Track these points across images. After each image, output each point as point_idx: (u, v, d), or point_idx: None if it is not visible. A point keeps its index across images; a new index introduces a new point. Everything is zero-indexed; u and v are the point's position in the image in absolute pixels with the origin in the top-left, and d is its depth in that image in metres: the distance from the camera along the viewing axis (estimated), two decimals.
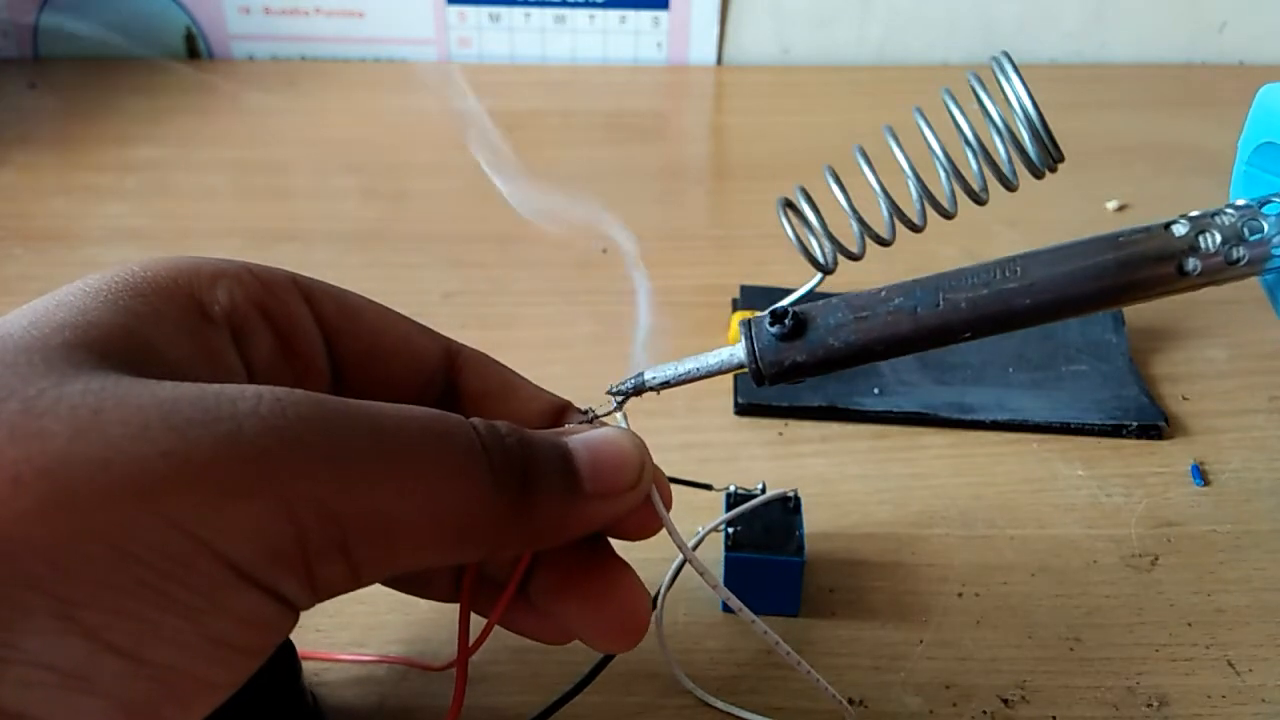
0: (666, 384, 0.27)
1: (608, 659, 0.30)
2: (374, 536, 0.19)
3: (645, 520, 0.25)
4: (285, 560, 0.18)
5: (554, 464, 0.22)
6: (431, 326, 0.27)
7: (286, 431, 0.18)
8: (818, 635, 0.33)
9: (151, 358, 0.20)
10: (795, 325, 0.26)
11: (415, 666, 0.32)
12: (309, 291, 0.25)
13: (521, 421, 0.23)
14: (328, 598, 0.20)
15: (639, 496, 0.23)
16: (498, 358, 0.28)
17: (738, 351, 0.26)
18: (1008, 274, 0.26)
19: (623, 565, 0.25)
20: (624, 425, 0.26)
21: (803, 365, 0.26)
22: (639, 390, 0.27)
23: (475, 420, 0.21)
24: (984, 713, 0.31)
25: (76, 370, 0.18)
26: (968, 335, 0.26)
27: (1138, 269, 0.25)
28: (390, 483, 0.19)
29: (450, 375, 0.27)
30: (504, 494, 0.21)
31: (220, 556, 0.18)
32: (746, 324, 0.27)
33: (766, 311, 0.26)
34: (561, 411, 0.27)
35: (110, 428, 0.17)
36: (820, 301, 0.26)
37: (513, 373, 0.28)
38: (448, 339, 0.27)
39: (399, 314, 0.26)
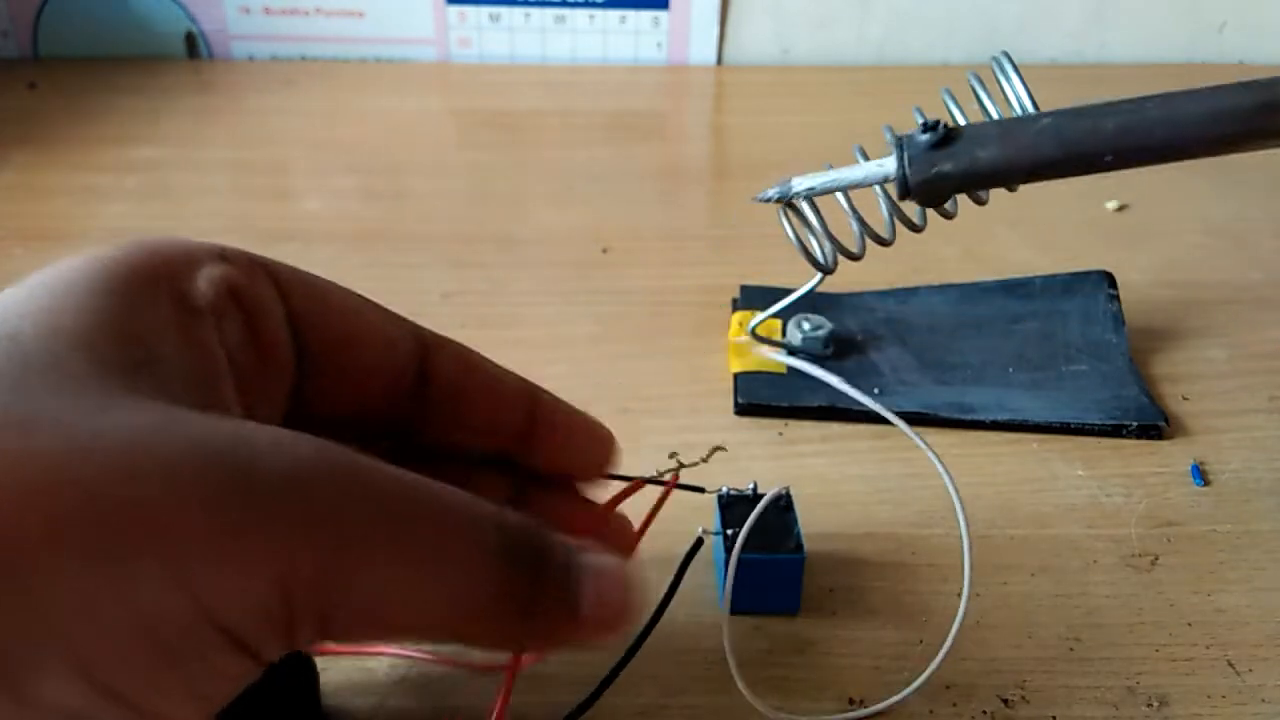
0: (813, 191, 0.28)
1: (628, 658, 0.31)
2: (363, 616, 0.19)
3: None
4: (273, 626, 0.18)
5: (563, 585, 0.21)
6: (431, 327, 0.27)
7: (301, 495, 0.18)
8: (818, 635, 0.33)
9: (149, 359, 0.20)
10: (946, 135, 0.26)
11: (460, 666, 0.31)
12: (276, 275, 0.24)
13: (494, 410, 0.23)
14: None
15: (626, 629, 0.23)
16: (497, 358, 0.28)
17: (887, 162, 0.27)
18: (1152, 106, 0.26)
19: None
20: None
21: (949, 175, 0.27)
22: (785, 198, 0.28)
23: (503, 518, 0.21)
24: (984, 713, 0.31)
25: (101, 394, 0.18)
26: (1109, 160, 0.26)
27: (1275, 113, 0.26)
28: (395, 568, 0.19)
29: (423, 364, 0.26)
30: (504, 605, 0.20)
31: (218, 621, 0.18)
32: (898, 136, 0.27)
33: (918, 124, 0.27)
34: (533, 400, 0.27)
35: (143, 475, 0.17)
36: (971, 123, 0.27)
37: (488, 362, 0.27)
38: (420, 328, 0.26)
39: (370, 301, 0.26)
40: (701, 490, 0.34)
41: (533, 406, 0.27)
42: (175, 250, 0.22)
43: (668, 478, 0.29)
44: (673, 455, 0.27)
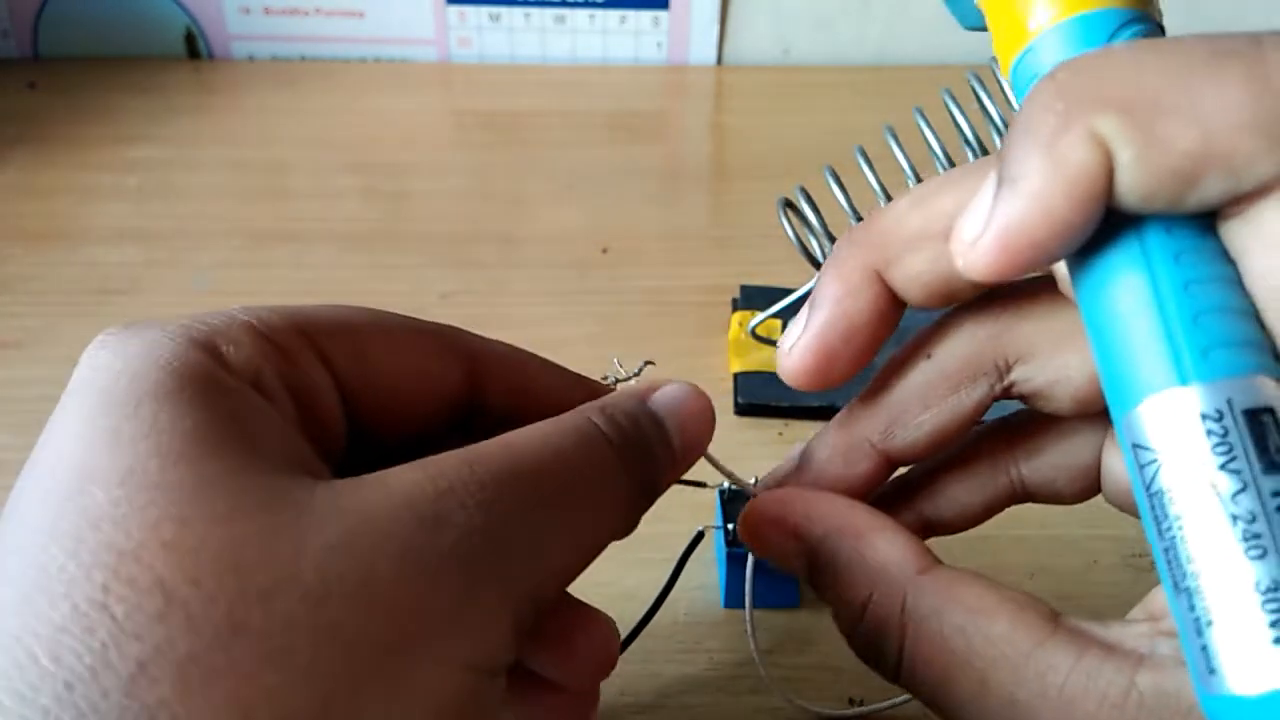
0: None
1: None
2: (558, 582, 0.21)
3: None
4: (517, 644, 0.20)
5: (659, 438, 0.23)
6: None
7: (486, 534, 0.19)
8: (818, 635, 0.33)
9: (254, 443, 0.19)
10: None
11: None
12: (316, 341, 0.22)
13: (546, 413, 0.23)
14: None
15: (708, 440, 0.25)
16: None
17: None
18: None
19: (579, 603, 0.25)
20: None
21: None
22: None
23: (600, 418, 0.22)
24: None
25: (292, 492, 0.18)
26: None
27: None
28: (563, 536, 0.21)
29: (473, 390, 0.25)
30: (636, 488, 0.23)
31: (470, 666, 0.19)
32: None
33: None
34: (588, 394, 0.26)
35: (375, 573, 0.17)
36: None
37: (545, 371, 0.27)
38: (466, 344, 0.25)
39: (411, 329, 0.24)
40: (703, 485, 0.34)
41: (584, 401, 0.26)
42: (200, 340, 0.20)
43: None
44: (605, 378, 0.27)
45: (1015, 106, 0.28)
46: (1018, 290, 0.23)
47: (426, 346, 0.24)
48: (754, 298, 0.48)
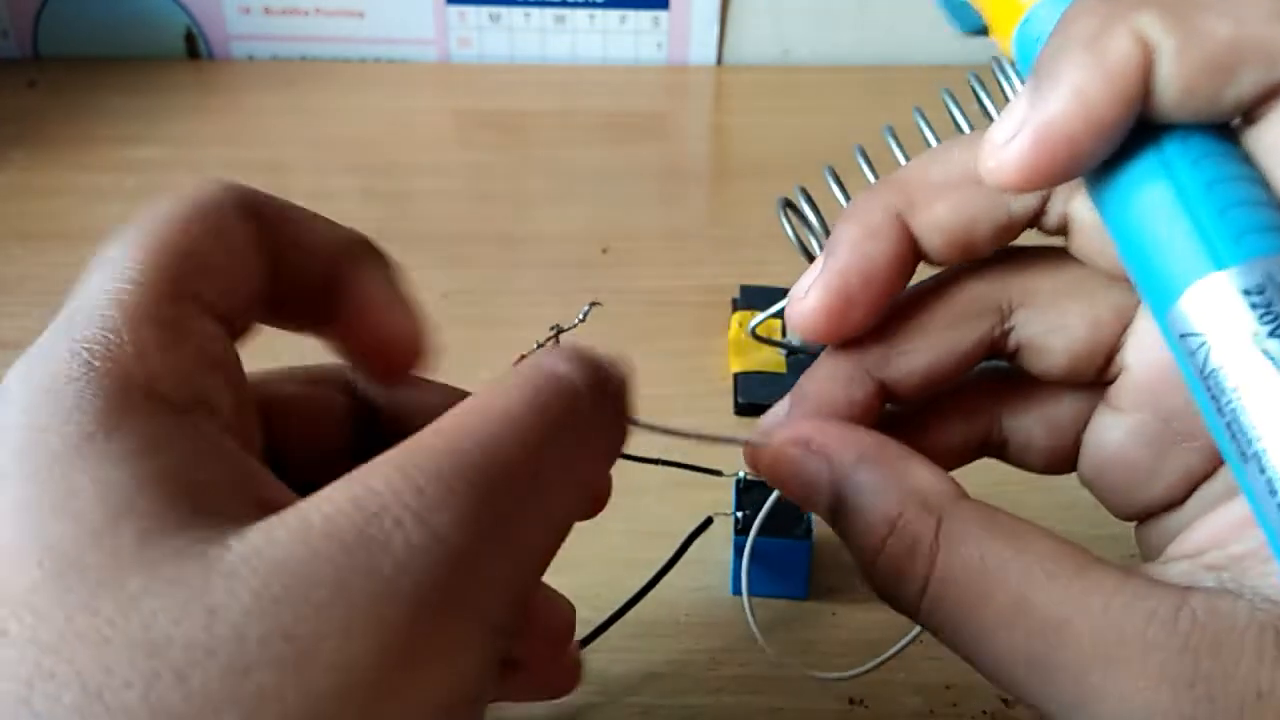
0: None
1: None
2: (536, 575, 0.19)
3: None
4: (493, 665, 0.18)
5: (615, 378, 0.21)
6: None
7: (444, 549, 0.16)
8: (819, 635, 0.33)
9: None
10: None
11: None
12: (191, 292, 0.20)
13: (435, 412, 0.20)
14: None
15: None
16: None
17: None
18: None
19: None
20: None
21: None
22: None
23: (550, 360, 0.20)
24: (984, 712, 0.31)
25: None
26: None
27: None
28: (534, 519, 0.18)
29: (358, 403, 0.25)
30: (615, 426, 0.21)
31: (442, 707, 0.17)
32: None
33: None
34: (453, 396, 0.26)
35: (300, 629, 0.15)
36: None
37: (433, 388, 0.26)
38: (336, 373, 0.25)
39: (277, 378, 0.24)
40: (719, 474, 0.34)
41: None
42: (111, 359, 0.18)
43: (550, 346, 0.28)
44: (553, 327, 0.27)
45: (1019, 88, 0.28)
46: (1026, 250, 0.23)
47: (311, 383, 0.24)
48: (754, 298, 0.48)
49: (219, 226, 0.21)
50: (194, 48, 0.73)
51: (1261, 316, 0.18)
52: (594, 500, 0.22)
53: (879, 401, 0.24)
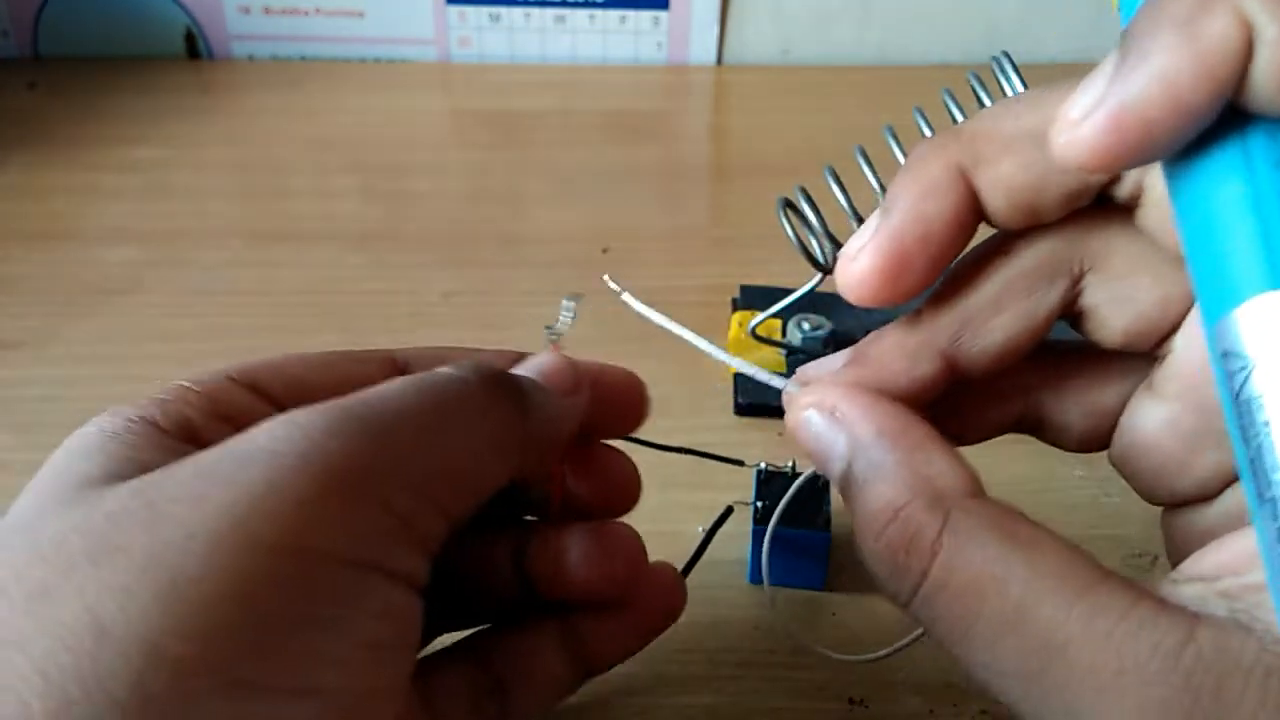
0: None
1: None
2: (448, 484, 0.22)
3: (626, 408, 0.29)
4: (394, 537, 0.20)
5: (521, 378, 0.25)
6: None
7: (340, 448, 0.20)
8: (819, 636, 0.33)
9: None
10: None
11: None
12: (253, 382, 0.24)
13: None
14: (434, 556, 0.21)
15: (585, 390, 0.27)
16: None
17: None
18: None
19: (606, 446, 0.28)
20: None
21: None
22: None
23: (450, 369, 0.23)
24: (984, 712, 0.31)
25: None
26: None
27: None
28: (438, 444, 0.21)
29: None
30: (513, 409, 0.24)
31: (343, 559, 0.19)
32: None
33: None
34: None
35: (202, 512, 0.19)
36: None
37: (451, 351, 0.28)
38: (384, 354, 0.27)
39: (335, 357, 0.26)
40: (741, 464, 0.35)
41: None
42: (147, 414, 0.23)
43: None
44: (549, 327, 0.29)
45: (1019, 89, 0.28)
46: (1096, 213, 0.22)
47: (349, 364, 0.26)
48: (754, 298, 0.48)
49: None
50: (194, 48, 0.73)
51: None
52: (513, 457, 0.24)
53: (943, 381, 0.23)
